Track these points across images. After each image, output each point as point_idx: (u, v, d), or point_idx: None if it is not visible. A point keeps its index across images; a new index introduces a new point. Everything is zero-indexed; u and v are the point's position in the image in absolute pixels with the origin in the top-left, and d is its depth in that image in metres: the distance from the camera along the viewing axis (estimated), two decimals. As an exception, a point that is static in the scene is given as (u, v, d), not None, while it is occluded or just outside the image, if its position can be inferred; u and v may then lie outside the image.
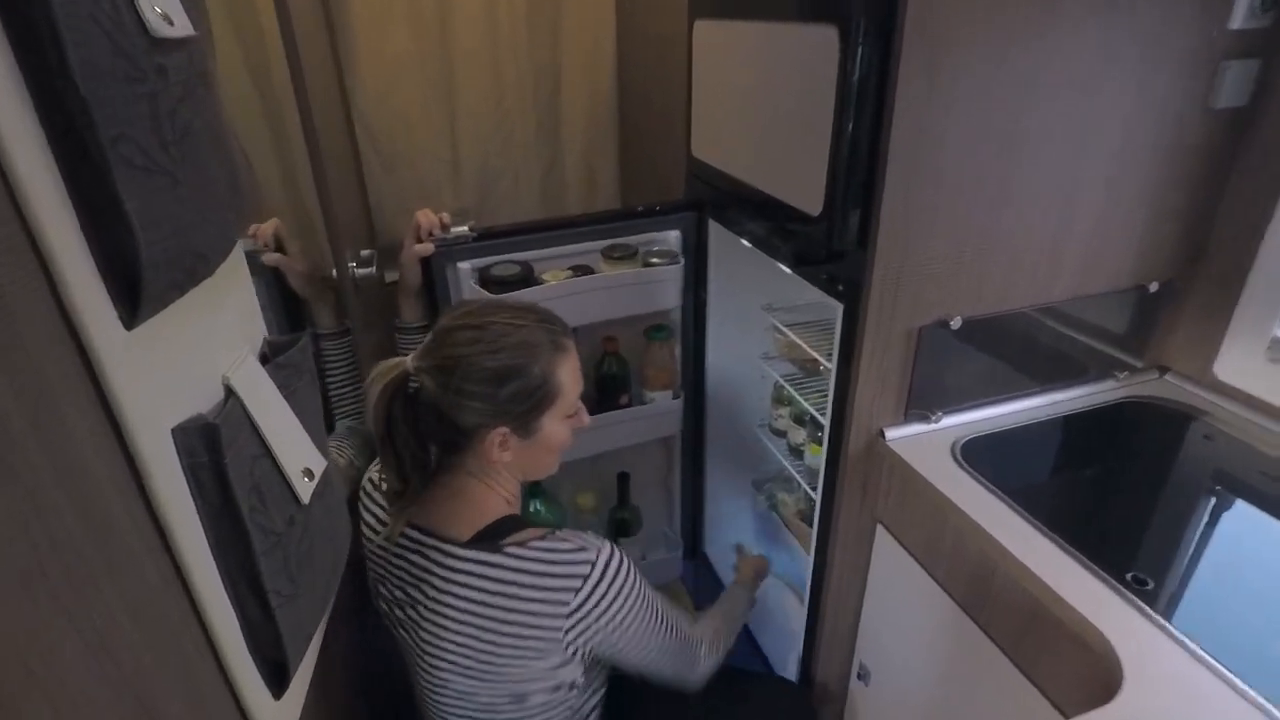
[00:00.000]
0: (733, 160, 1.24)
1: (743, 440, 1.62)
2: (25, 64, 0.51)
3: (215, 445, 0.61)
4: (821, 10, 0.91)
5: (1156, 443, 1.14)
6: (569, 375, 0.93)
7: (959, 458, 1.03)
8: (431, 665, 0.94)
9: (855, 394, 1.04)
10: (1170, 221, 1.09)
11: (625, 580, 0.91)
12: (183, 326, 0.60)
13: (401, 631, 0.98)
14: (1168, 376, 1.21)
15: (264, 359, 0.76)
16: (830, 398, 1.10)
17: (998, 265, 1.02)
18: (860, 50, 0.86)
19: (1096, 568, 0.84)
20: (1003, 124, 0.92)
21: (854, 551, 1.18)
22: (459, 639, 0.90)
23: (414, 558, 0.93)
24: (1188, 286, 1.15)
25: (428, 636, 0.93)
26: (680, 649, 1.02)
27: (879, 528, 1.12)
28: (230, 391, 0.66)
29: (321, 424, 0.84)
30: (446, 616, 0.90)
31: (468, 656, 0.91)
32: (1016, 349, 1.12)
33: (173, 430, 0.58)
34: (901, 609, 1.12)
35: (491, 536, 0.91)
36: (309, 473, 0.75)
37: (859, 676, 1.29)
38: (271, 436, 0.68)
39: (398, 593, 0.96)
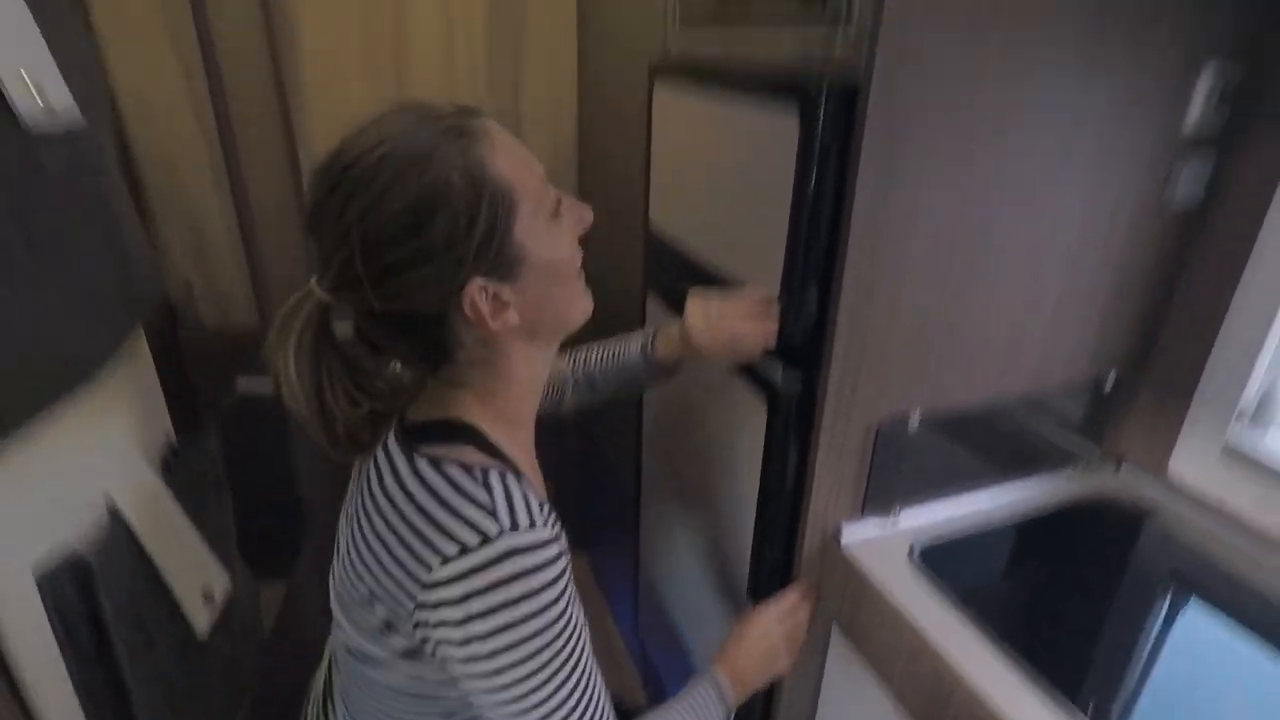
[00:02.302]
0: (689, 234, 1.20)
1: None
2: None
3: (88, 584, 0.53)
4: (783, 93, 0.88)
5: (1116, 545, 1.12)
6: (508, 160, 0.63)
7: (917, 562, 0.99)
8: (335, 598, 0.74)
9: (811, 492, 1.00)
10: (1125, 316, 1.09)
11: (521, 591, 0.60)
12: (54, 441, 0.53)
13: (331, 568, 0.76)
14: (1124, 468, 1.19)
15: (165, 465, 0.68)
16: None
17: (957, 357, 1.00)
18: (820, 138, 0.84)
19: (1055, 697, 0.79)
20: (963, 218, 0.90)
21: (806, 655, 1.13)
22: (352, 534, 0.69)
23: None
24: (1142, 381, 1.14)
25: (341, 559, 0.72)
26: None
27: (834, 630, 1.07)
28: (115, 513, 0.58)
29: (231, 534, 0.76)
30: (357, 508, 0.70)
31: (353, 564, 0.69)
32: (977, 439, 1.09)
33: (34, 574, 0.50)
34: None
35: (419, 433, 0.68)
36: (209, 595, 0.67)
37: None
38: (164, 560, 0.61)
39: (348, 505, 0.74)
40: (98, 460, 0.61)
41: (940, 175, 0.85)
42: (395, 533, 0.64)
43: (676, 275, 1.29)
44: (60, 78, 0.61)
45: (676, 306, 1.12)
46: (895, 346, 0.94)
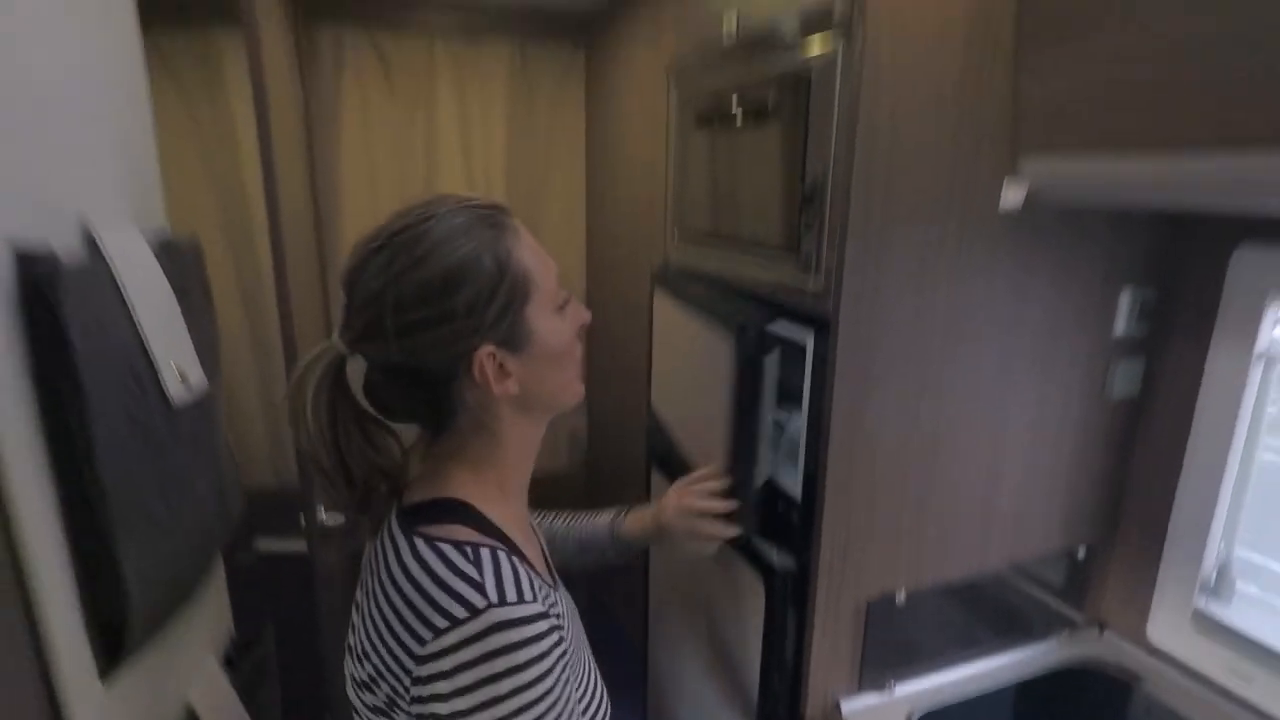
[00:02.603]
0: (681, 424, 1.34)
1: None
2: (51, 442, 0.57)
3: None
4: (726, 326, 1.04)
5: (1104, 710, 1.17)
6: (530, 255, 0.73)
7: (914, 734, 1.04)
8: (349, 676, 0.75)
9: (810, 664, 1.07)
10: (1087, 493, 1.20)
11: (505, 666, 0.62)
12: (152, 656, 0.62)
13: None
14: (1107, 634, 1.26)
15: (228, 660, 0.78)
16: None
17: (934, 536, 1.10)
18: (747, 365, 0.99)
19: None
20: (924, 417, 1.03)
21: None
22: (360, 618, 0.71)
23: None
24: (1113, 552, 1.24)
25: (354, 635, 0.73)
26: None
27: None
28: (191, 715, 0.67)
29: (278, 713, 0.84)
30: (364, 592, 0.72)
31: (360, 645, 0.71)
32: (964, 610, 1.17)
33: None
34: None
35: (416, 514, 0.72)
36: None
37: None
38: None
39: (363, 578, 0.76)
40: (182, 667, 0.71)
41: (902, 385, 1.00)
42: (395, 610, 0.66)
43: (669, 454, 1.42)
44: (197, 361, 0.76)
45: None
46: (876, 529, 1.05)
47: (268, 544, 1.79)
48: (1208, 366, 1.09)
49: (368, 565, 0.74)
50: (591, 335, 1.94)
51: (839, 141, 0.91)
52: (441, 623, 0.63)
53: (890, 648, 1.12)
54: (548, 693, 0.65)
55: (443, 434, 0.75)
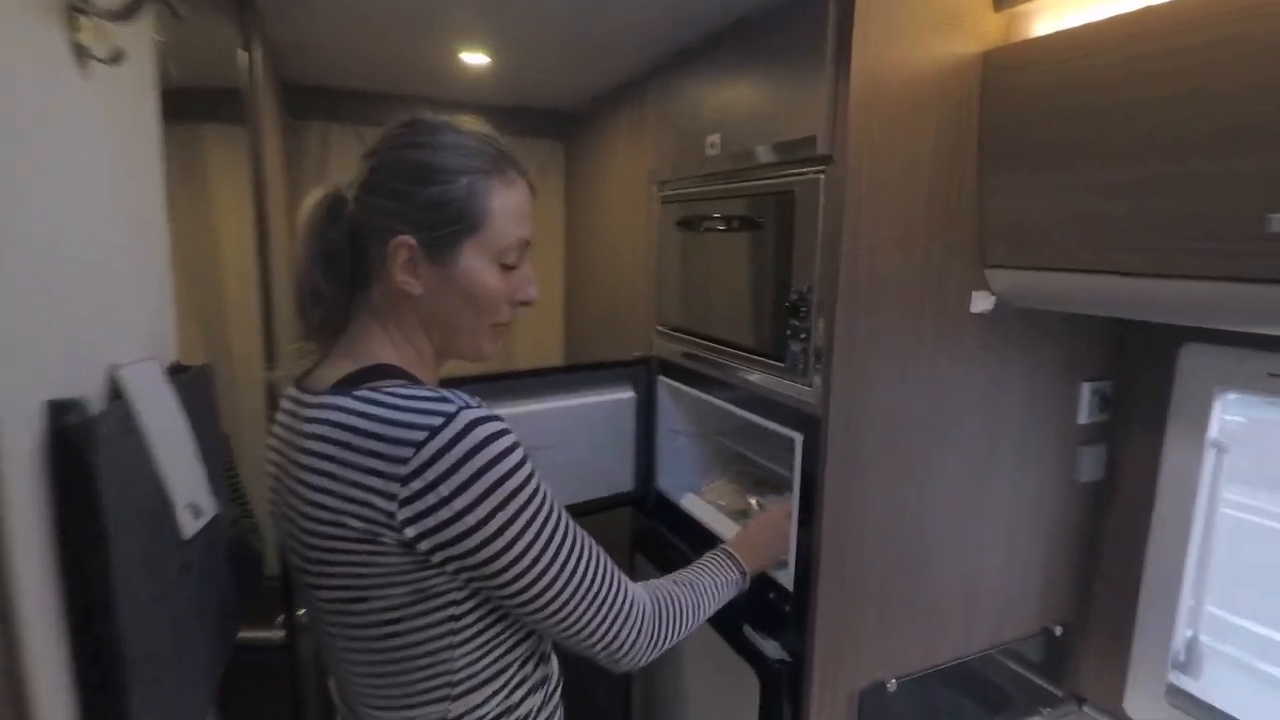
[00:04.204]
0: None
1: None
2: (68, 594, 0.57)
3: None
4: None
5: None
6: (507, 210, 0.77)
7: (911, 829, 1.06)
8: (304, 566, 0.74)
9: (807, 760, 1.09)
10: (1061, 572, 1.26)
11: (492, 454, 0.66)
12: None
13: (290, 545, 0.76)
14: (1085, 708, 1.30)
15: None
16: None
17: (922, 625, 1.14)
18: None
19: None
20: (910, 509, 1.09)
21: None
22: (311, 514, 0.70)
23: (284, 419, 0.77)
24: (1088, 631, 1.29)
25: (297, 525, 0.72)
26: (598, 603, 0.75)
27: None
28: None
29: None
30: (302, 483, 0.70)
31: (320, 538, 0.69)
32: (952, 693, 1.20)
33: None
34: None
35: (352, 382, 0.72)
36: None
37: None
38: None
39: (280, 487, 0.76)
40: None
41: (888, 475, 1.06)
42: (356, 452, 0.67)
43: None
44: (209, 491, 0.76)
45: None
46: (868, 618, 1.08)
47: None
48: (1164, 452, 1.16)
49: (287, 448, 0.74)
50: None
51: (824, 256, 0.98)
52: (419, 435, 0.65)
53: (884, 736, 1.14)
54: (533, 477, 0.70)
55: (356, 301, 0.79)
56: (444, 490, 0.65)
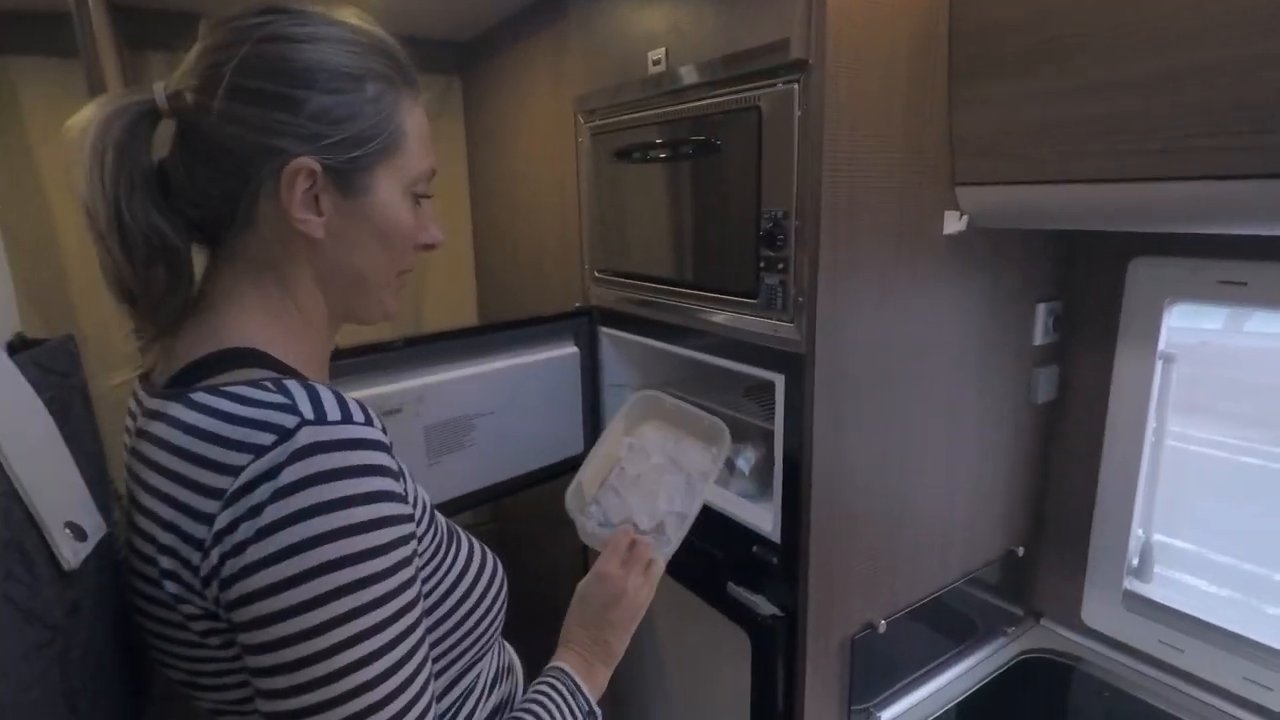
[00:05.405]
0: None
1: None
2: None
3: None
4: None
5: (1053, 696, 1.24)
6: (419, 131, 0.62)
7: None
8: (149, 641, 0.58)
9: (802, 713, 1.04)
10: (1021, 494, 1.27)
11: (324, 503, 0.46)
12: None
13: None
14: (1044, 622, 1.34)
15: None
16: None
17: (905, 563, 1.11)
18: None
19: None
20: (897, 438, 1.04)
21: None
22: (135, 566, 0.54)
23: (130, 427, 0.59)
24: (1043, 546, 1.32)
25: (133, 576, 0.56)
26: None
27: None
28: None
29: None
30: (132, 525, 0.55)
31: (144, 600, 0.54)
32: (930, 626, 1.19)
33: None
34: None
35: (194, 374, 0.55)
36: None
37: None
38: None
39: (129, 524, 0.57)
40: None
41: (872, 411, 1.00)
42: (176, 476, 0.50)
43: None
44: (91, 501, 0.58)
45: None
46: (858, 562, 1.04)
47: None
48: (1115, 368, 1.18)
49: (129, 450, 0.57)
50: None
51: (802, 177, 0.89)
52: (243, 459, 0.47)
53: (873, 678, 1.11)
54: (392, 543, 0.49)
55: (222, 262, 0.60)
56: (249, 531, 0.46)
